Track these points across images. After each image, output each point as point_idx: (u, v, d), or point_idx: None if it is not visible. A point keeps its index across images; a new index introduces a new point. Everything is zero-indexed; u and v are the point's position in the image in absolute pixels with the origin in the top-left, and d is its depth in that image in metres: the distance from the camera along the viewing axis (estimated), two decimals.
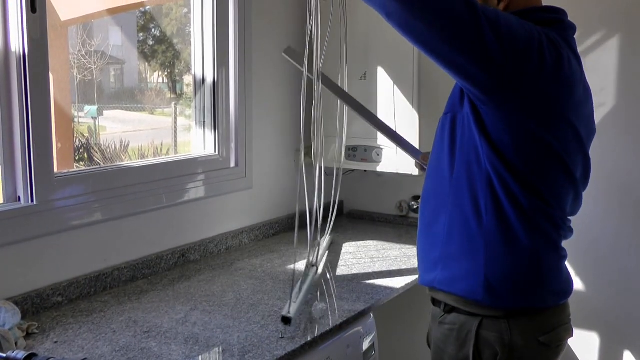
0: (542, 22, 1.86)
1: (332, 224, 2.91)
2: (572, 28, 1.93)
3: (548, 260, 1.93)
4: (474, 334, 1.90)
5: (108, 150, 5.48)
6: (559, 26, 1.90)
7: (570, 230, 1.98)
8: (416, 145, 3.03)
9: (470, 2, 1.67)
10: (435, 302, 2.05)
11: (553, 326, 1.95)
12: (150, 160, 2.74)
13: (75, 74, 5.25)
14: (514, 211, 1.84)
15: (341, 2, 2.23)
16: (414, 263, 2.81)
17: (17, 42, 2.11)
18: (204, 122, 2.94)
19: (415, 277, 2.64)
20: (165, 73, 6.73)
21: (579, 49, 1.93)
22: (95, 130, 5.74)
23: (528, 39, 1.75)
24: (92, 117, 5.73)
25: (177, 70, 6.28)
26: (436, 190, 1.98)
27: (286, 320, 2.12)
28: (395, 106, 3.04)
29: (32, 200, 2.20)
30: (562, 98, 1.84)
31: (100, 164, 5.06)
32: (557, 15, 1.93)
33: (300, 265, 2.69)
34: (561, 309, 1.98)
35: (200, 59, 2.92)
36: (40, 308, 2.23)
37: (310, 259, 2.56)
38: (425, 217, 2.03)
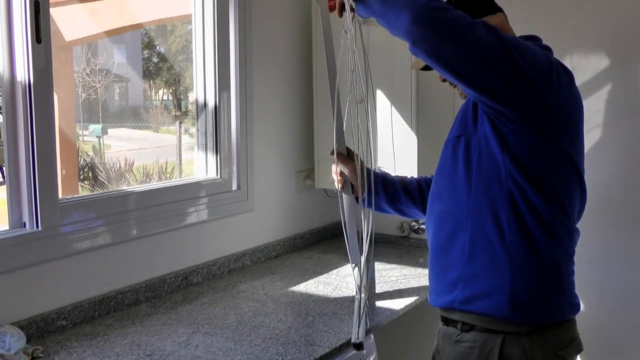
0: None
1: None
2: (552, 53, 2.01)
3: (567, 273, 1.98)
4: (497, 351, 1.93)
5: (113, 170, 5.48)
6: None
7: (578, 232, 2.02)
8: (414, 168, 3.06)
9: (492, 26, 1.76)
10: (449, 321, 2.06)
11: (569, 340, 1.99)
12: (153, 185, 2.77)
13: (79, 93, 5.27)
14: (537, 226, 1.89)
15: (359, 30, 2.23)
16: (413, 284, 2.84)
17: (23, 72, 2.16)
18: (206, 145, 2.98)
19: (416, 298, 2.66)
20: (170, 90, 6.74)
21: (576, 71, 1.97)
22: (100, 149, 5.76)
23: (547, 60, 1.85)
24: (97, 136, 5.75)
25: (181, 88, 6.29)
26: (452, 212, 2.01)
27: (358, 346, 2.15)
28: (393, 129, 3.06)
29: (37, 226, 2.23)
30: (577, 114, 1.95)
31: (104, 183, 5.07)
32: (542, 44, 2.00)
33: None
34: (574, 322, 2.03)
35: (202, 83, 2.95)
36: (44, 332, 2.25)
37: (362, 281, 2.56)
38: (440, 240, 2.05)
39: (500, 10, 2.05)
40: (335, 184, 2.37)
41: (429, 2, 1.74)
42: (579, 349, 2.02)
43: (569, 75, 1.91)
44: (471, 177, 1.94)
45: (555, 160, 1.89)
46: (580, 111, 1.97)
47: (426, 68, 2.08)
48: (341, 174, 2.33)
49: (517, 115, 1.82)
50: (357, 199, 2.36)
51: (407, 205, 2.37)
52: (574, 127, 1.94)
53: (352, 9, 2.00)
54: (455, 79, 1.80)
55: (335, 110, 2.22)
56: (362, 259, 2.38)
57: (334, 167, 2.34)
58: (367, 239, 2.26)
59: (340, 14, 2.10)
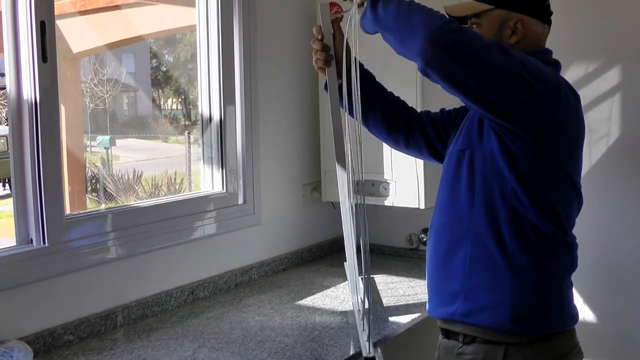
0: (545, 64, 1.93)
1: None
2: (561, 67, 2.04)
3: (567, 285, 2.01)
4: None
5: (121, 181, 5.49)
6: (556, 68, 2.00)
7: (577, 246, 2.04)
8: (422, 177, 3.07)
9: (504, 47, 1.78)
10: (450, 333, 2.07)
11: (569, 349, 2.01)
12: (159, 200, 2.79)
13: (87, 103, 5.28)
14: (539, 241, 1.91)
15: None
16: (421, 297, 2.84)
17: (29, 90, 2.18)
18: (212, 158, 2.99)
19: (423, 311, 2.66)
20: (179, 100, 6.74)
21: (586, 78, 1.98)
22: (108, 160, 5.76)
23: (557, 82, 1.87)
24: (105, 147, 5.75)
25: (191, 97, 6.28)
26: (452, 224, 2.02)
27: None
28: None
29: (44, 242, 2.25)
30: (580, 133, 1.97)
31: (113, 195, 5.09)
32: (552, 58, 2.01)
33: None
34: (574, 332, 2.04)
35: (207, 97, 2.97)
36: (51, 347, 2.26)
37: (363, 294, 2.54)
38: (440, 252, 2.06)
39: (538, 16, 2.02)
40: (315, 63, 2.21)
41: (445, 24, 1.75)
42: (580, 357, 2.05)
43: (575, 97, 1.93)
44: (474, 192, 1.95)
45: (557, 179, 1.92)
46: (583, 131, 1.99)
47: None
48: (325, 55, 2.15)
49: (525, 133, 1.84)
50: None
51: (374, 108, 2.24)
52: (576, 147, 1.97)
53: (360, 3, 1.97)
54: (466, 99, 1.82)
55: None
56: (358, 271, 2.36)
57: (317, 44, 2.16)
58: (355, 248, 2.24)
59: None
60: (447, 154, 2.09)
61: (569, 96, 1.89)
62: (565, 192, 1.95)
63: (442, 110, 2.33)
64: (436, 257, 2.07)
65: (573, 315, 2.03)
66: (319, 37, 2.14)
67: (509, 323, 1.91)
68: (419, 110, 2.35)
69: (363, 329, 2.30)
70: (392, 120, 2.28)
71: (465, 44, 1.74)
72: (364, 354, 2.18)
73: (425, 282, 2.16)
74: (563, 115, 1.88)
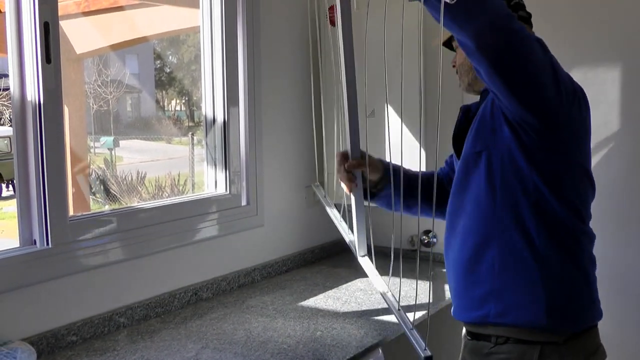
0: None
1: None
2: None
3: (593, 279, 2.02)
4: None
5: (124, 182, 5.48)
6: None
7: (595, 237, 2.05)
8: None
9: (542, 42, 1.84)
10: (480, 336, 2.05)
11: (596, 346, 2.03)
12: (162, 202, 2.78)
13: (91, 104, 5.29)
14: (564, 234, 1.93)
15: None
16: (422, 298, 2.84)
17: (33, 91, 2.18)
18: (215, 160, 3.00)
19: (424, 312, 2.66)
20: (183, 101, 6.76)
21: (583, 82, 2.01)
22: (112, 161, 5.76)
23: (573, 86, 1.92)
24: (108, 148, 5.76)
25: (194, 98, 6.29)
26: (477, 226, 2.02)
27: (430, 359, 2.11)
28: (402, 143, 3.06)
29: (48, 244, 2.25)
30: (589, 134, 2.01)
31: (116, 196, 5.09)
32: None
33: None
34: (598, 329, 2.05)
35: (211, 98, 2.97)
36: (55, 348, 2.27)
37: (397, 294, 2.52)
38: (465, 254, 2.04)
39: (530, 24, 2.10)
40: (345, 187, 2.30)
41: (505, 8, 1.76)
42: (604, 356, 2.06)
43: (586, 102, 1.97)
44: (495, 192, 1.96)
45: (572, 171, 1.95)
46: (590, 131, 2.02)
47: (447, 44, 2.21)
48: (350, 177, 2.26)
49: (542, 126, 1.86)
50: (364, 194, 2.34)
51: (414, 207, 2.29)
52: (587, 144, 2.01)
53: None
54: (500, 86, 1.81)
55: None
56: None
57: (340, 170, 2.26)
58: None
59: None
60: (461, 158, 2.09)
61: (580, 99, 1.93)
62: (580, 183, 1.98)
63: (446, 161, 2.42)
64: (462, 261, 2.06)
65: (599, 309, 2.04)
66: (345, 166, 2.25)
67: (545, 319, 1.92)
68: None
69: (412, 328, 2.28)
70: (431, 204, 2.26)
71: (517, 32, 1.76)
72: (424, 354, 2.16)
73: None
74: (577, 116, 1.92)
